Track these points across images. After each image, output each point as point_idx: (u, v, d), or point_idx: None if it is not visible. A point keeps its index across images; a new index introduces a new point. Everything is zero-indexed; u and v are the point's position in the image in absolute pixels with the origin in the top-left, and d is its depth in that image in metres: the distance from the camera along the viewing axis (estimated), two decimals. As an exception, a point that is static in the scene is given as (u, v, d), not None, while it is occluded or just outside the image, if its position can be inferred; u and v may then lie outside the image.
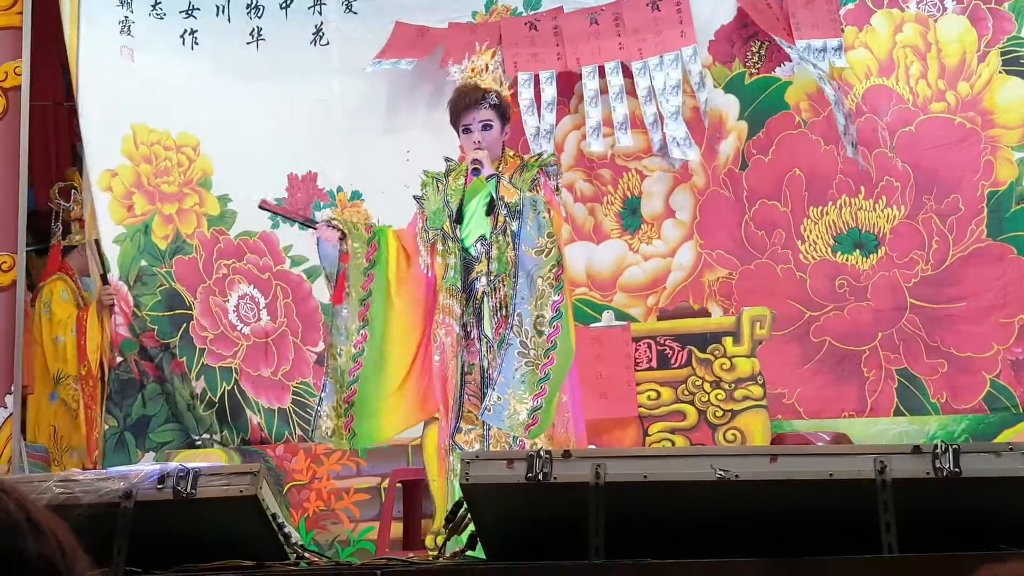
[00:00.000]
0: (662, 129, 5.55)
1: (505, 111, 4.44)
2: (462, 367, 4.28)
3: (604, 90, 5.66)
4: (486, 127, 4.34)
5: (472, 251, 4.31)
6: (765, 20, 5.56)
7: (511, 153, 4.47)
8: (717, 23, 5.70)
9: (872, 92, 5.60)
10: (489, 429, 4.19)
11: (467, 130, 4.35)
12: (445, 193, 4.37)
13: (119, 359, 6.01)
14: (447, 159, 4.49)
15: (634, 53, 5.63)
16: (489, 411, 4.12)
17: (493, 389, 4.13)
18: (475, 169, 4.27)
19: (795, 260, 5.62)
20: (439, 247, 4.34)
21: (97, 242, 6.02)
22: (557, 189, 4.37)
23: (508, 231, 4.23)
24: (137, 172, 6.13)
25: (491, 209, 4.28)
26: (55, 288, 6.10)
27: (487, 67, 4.45)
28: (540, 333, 4.13)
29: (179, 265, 6.10)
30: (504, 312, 4.22)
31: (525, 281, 4.15)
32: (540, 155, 4.56)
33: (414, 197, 4.48)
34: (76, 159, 6.34)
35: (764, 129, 5.65)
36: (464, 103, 4.36)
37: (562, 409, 4.26)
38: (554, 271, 4.19)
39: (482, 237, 4.28)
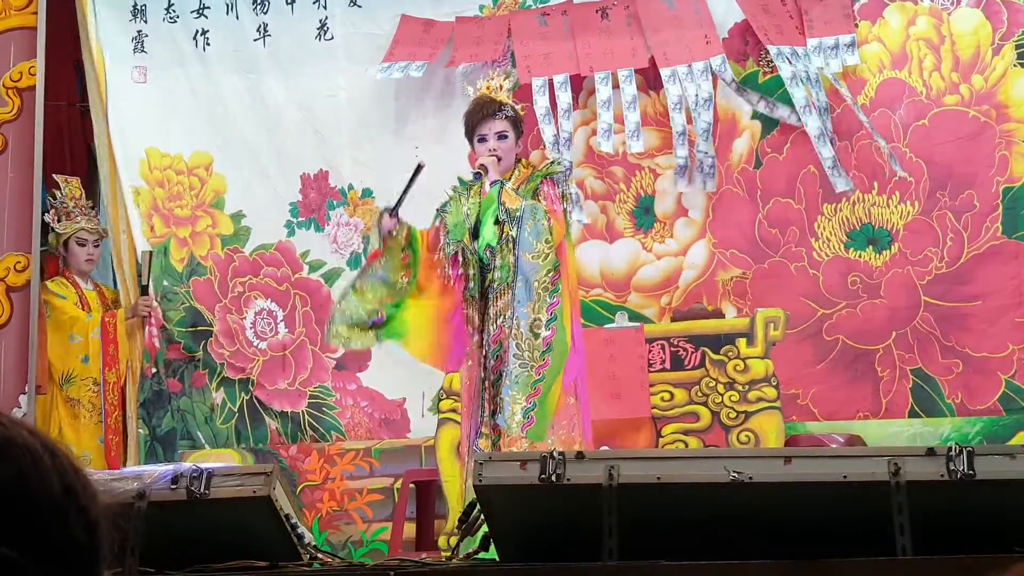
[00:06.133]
0: (689, 147, 5.54)
1: (519, 124, 4.59)
2: (488, 374, 4.37)
3: (616, 85, 5.65)
4: (501, 137, 4.49)
5: (485, 260, 4.41)
6: (776, 22, 5.53)
7: (523, 163, 4.58)
8: (731, 21, 5.67)
9: (885, 86, 5.57)
10: (499, 437, 4.27)
11: (483, 139, 4.49)
12: (466, 208, 4.46)
13: (154, 369, 6.03)
14: (475, 172, 4.58)
15: (659, 59, 5.61)
16: (500, 413, 4.24)
17: (500, 391, 4.23)
18: (477, 173, 4.41)
19: (808, 257, 5.59)
20: (460, 259, 4.43)
21: (151, 254, 6.01)
22: (563, 196, 4.46)
23: (509, 237, 4.33)
24: (153, 195, 6.17)
25: (499, 218, 4.38)
26: (52, 287, 6.03)
27: (501, 87, 4.59)
28: (536, 335, 4.28)
29: (196, 286, 6.14)
30: (503, 319, 4.32)
31: (523, 285, 4.30)
32: (549, 163, 4.66)
33: (436, 210, 4.59)
34: (91, 159, 6.33)
35: (778, 127, 5.62)
36: (481, 114, 4.51)
37: (570, 412, 4.32)
38: (550, 275, 4.33)
39: (490, 246, 4.38)
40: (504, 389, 4.24)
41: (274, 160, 6.15)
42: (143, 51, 6.20)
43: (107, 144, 6.07)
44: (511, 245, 4.35)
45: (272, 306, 6.09)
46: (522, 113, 4.70)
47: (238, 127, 6.17)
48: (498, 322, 4.35)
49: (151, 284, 5.99)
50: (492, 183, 4.41)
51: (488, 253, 4.41)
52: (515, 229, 4.34)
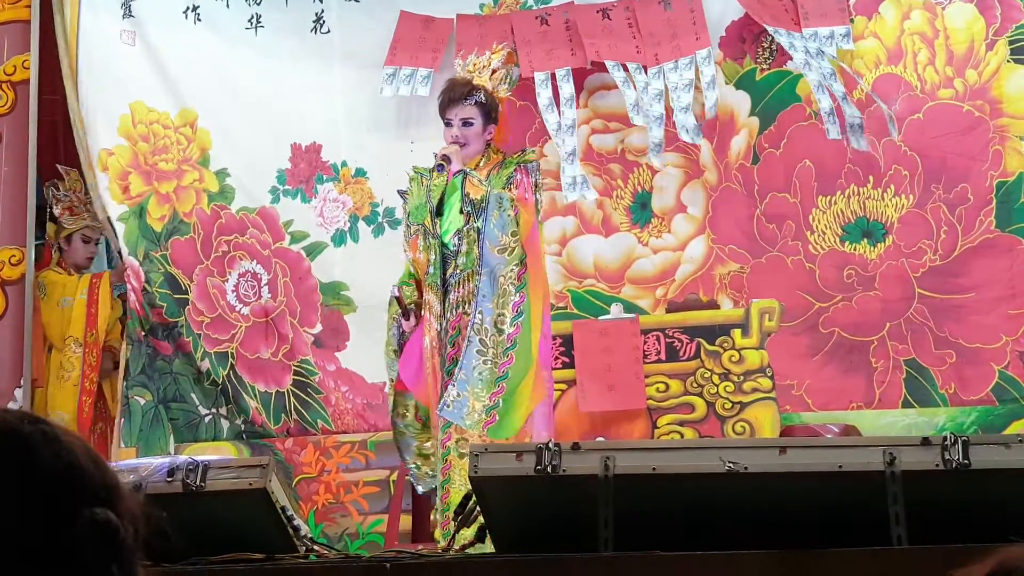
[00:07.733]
0: (666, 127, 5.51)
1: (491, 110, 4.50)
2: (444, 362, 4.30)
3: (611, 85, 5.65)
4: (466, 124, 4.43)
5: (450, 246, 4.35)
6: (771, 13, 5.54)
7: (492, 148, 4.51)
8: (728, 19, 5.67)
9: (881, 81, 5.58)
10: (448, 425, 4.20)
11: (448, 124, 4.44)
12: (428, 189, 4.41)
13: (143, 333, 6.00)
14: (437, 165, 4.52)
15: (650, 59, 5.60)
16: (448, 407, 4.16)
17: (453, 385, 4.16)
18: (440, 165, 4.35)
19: (804, 251, 5.60)
20: (420, 242, 4.37)
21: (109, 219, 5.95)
22: (536, 185, 4.40)
23: (474, 227, 4.27)
24: (134, 151, 6.05)
25: (463, 208, 4.33)
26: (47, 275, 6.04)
27: (489, 64, 4.51)
28: (500, 332, 4.20)
29: (176, 247, 6.04)
30: (464, 307, 4.25)
31: (488, 279, 4.22)
32: (522, 151, 4.60)
33: (398, 192, 4.53)
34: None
35: (775, 123, 5.62)
36: (449, 98, 4.47)
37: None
38: (516, 270, 4.25)
39: (458, 231, 4.33)
40: (460, 383, 4.15)
41: (264, 125, 6.06)
42: (131, 16, 6.10)
43: (77, 110, 5.95)
44: (476, 235, 4.29)
45: (257, 268, 6.02)
46: (499, 96, 4.60)
47: (228, 88, 6.09)
48: (457, 310, 4.28)
49: (124, 251, 5.93)
50: (456, 173, 4.36)
51: (456, 239, 4.35)
52: (480, 220, 4.29)
